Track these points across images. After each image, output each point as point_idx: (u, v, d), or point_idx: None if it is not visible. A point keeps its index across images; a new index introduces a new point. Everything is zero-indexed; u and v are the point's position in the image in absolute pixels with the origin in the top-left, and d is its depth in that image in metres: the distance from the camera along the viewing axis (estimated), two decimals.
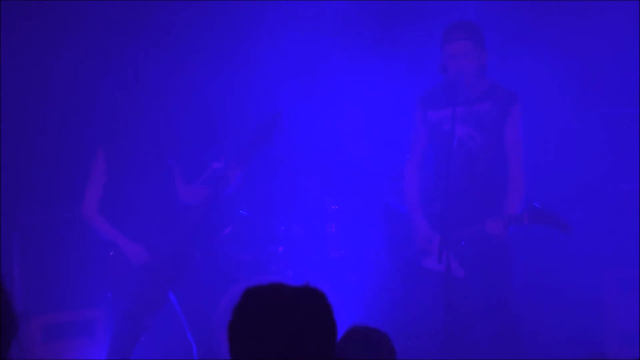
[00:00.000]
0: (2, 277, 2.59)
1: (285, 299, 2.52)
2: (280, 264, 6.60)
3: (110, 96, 6.29)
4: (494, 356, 5.58)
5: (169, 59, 7.06)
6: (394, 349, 3.52)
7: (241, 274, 6.66)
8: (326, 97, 7.16)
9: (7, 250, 6.50)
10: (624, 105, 6.79)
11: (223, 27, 7.26)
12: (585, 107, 6.81)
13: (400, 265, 5.86)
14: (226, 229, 6.82)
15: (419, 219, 5.77)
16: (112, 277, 5.95)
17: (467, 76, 5.58)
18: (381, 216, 6.06)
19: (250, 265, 6.75)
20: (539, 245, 6.56)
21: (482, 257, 5.62)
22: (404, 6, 7.13)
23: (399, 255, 5.88)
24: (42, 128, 7.02)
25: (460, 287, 5.55)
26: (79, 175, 6.23)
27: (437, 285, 5.46)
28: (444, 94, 5.70)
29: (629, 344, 6.32)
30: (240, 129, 6.88)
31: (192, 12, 7.21)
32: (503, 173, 5.66)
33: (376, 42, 7.13)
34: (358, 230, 6.78)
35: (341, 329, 3.75)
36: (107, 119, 6.25)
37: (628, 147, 6.67)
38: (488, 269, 5.63)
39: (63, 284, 6.73)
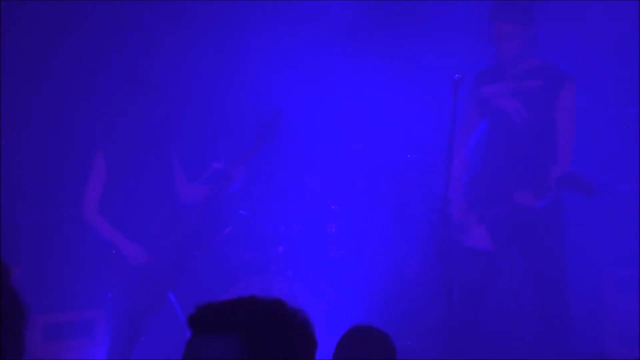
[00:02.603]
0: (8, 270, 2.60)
1: None
2: (280, 264, 6.60)
3: (110, 96, 6.29)
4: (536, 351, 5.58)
5: (169, 59, 7.06)
6: (394, 349, 3.52)
7: (241, 274, 6.66)
8: (327, 96, 7.16)
9: (8, 250, 6.49)
10: (624, 105, 6.79)
11: (223, 26, 7.26)
12: (585, 107, 6.81)
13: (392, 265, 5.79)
14: (226, 229, 6.82)
15: (458, 198, 5.70)
16: (112, 277, 5.96)
17: (508, 56, 5.55)
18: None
19: (250, 265, 6.75)
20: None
21: (519, 233, 5.57)
22: (406, 7, 7.13)
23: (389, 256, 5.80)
24: (42, 128, 7.02)
25: (465, 283, 5.51)
26: (79, 175, 6.23)
27: (438, 282, 5.39)
28: (495, 69, 5.68)
29: (629, 344, 6.32)
30: (240, 128, 6.88)
31: (193, 11, 7.21)
32: (547, 152, 5.61)
33: (377, 41, 7.13)
34: (358, 230, 6.77)
35: (341, 329, 3.75)
36: (107, 118, 6.26)
37: (628, 147, 6.66)
38: (529, 244, 5.59)
39: (63, 284, 6.73)
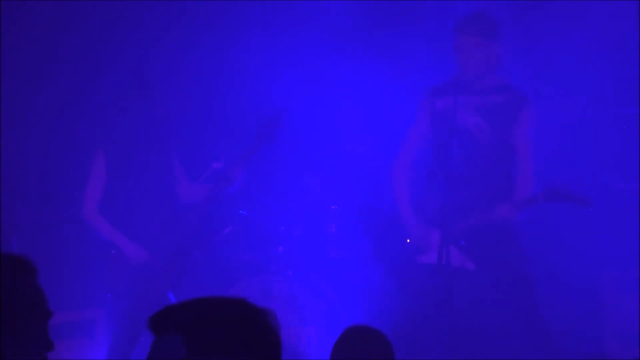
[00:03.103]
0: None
1: None
2: (280, 264, 6.60)
3: (110, 96, 6.29)
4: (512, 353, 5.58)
5: (169, 59, 7.06)
6: (391, 349, 3.51)
7: (241, 274, 6.66)
8: (327, 96, 7.16)
9: (7, 250, 6.50)
10: (624, 105, 6.78)
11: (223, 26, 7.26)
12: (584, 107, 6.81)
13: (392, 265, 5.85)
14: (226, 229, 6.82)
15: (410, 217, 5.74)
16: (112, 277, 5.96)
17: (471, 70, 5.56)
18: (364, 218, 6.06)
19: (250, 265, 6.75)
20: (538, 244, 6.55)
21: (489, 248, 5.57)
22: (406, 7, 7.13)
23: (389, 256, 5.86)
24: (42, 128, 7.02)
25: (465, 283, 5.53)
26: (79, 175, 6.24)
27: (438, 281, 5.41)
28: (454, 83, 5.68)
29: (629, 344, 6.32)
30: (240, 128, 6.88)
31: (193, 11, 7.21)
32: (508, 168, 5.62)
33: (377, 41, 7.12)
34: (358, 230, 6.77)
35: (341, 329, 3.75)
36: (107, 118, 6.26)
37: (628, 147, 6.66)
38: (496, 260, 5.60)
39: (63, 284, 6.73)
